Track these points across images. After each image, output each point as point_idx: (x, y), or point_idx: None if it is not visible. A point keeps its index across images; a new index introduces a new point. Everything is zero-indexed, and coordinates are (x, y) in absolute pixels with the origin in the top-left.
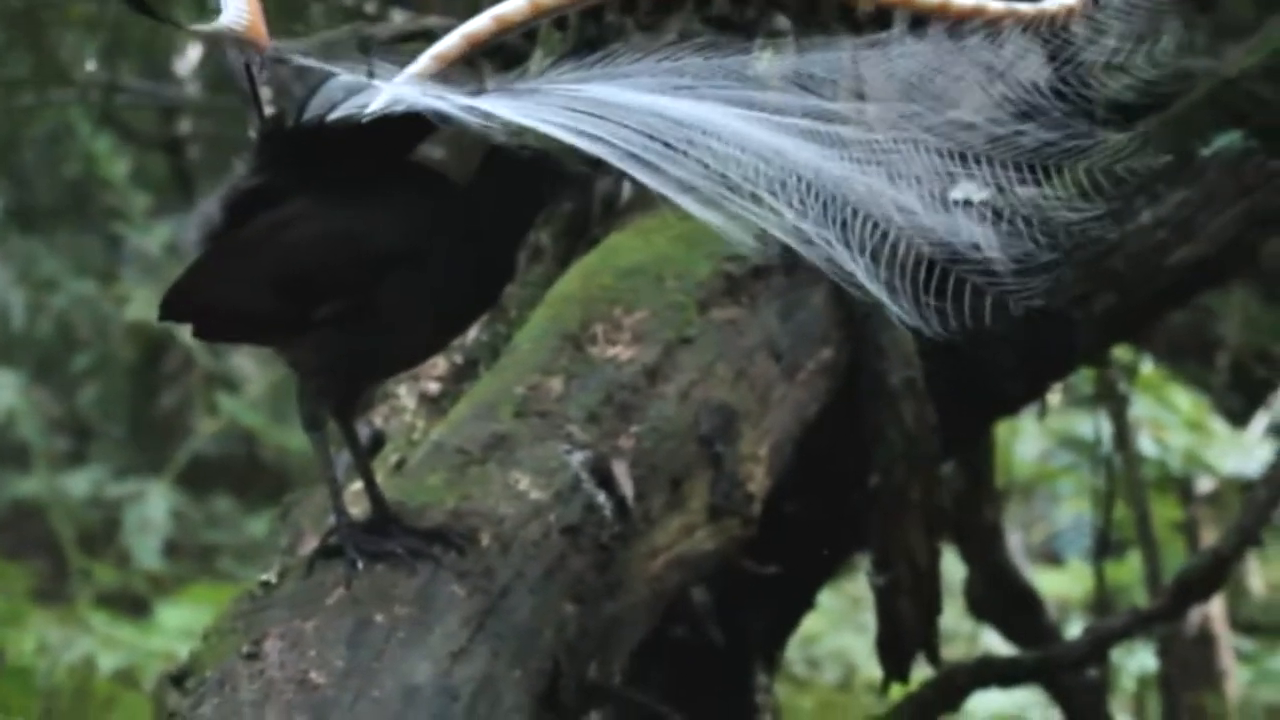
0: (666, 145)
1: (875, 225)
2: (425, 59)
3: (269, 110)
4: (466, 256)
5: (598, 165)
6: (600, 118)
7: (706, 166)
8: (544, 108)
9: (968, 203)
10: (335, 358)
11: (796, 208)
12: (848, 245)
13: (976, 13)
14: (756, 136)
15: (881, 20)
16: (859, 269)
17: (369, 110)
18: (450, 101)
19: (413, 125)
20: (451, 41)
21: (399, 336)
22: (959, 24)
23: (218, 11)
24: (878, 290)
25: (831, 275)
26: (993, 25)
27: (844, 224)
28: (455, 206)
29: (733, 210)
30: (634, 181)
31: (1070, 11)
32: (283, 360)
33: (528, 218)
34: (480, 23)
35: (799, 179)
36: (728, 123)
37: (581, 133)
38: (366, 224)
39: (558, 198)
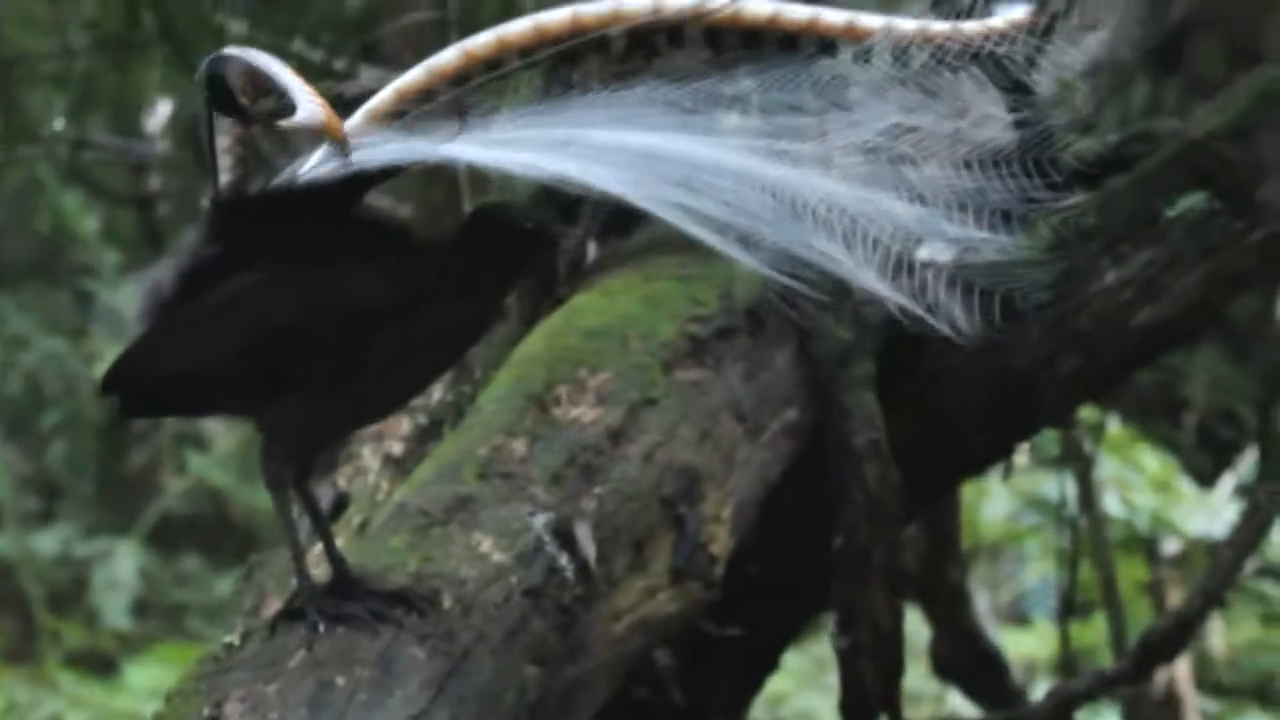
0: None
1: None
2: (357, 116)
3: (225, 177)
4: (452, 315)
5: (574, 220)
6: (584, 157)
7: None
8: (526, 150)
9: (932, 264)
10: (307, 418)
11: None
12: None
13: (921, 35)
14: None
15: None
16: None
17: (330, 172)
18: (433, 150)
19: (360, 180)
20: (383, 96)
21: (374, 395)
22: (905, 47)
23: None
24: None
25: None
26: (936, 46)
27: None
28: (437, 263)
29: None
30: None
31: (1016, 28)
32: (250, 422)
33: (510, 276)
34: (413, 75)
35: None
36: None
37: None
38: (347, 285)
39: (540, 259)
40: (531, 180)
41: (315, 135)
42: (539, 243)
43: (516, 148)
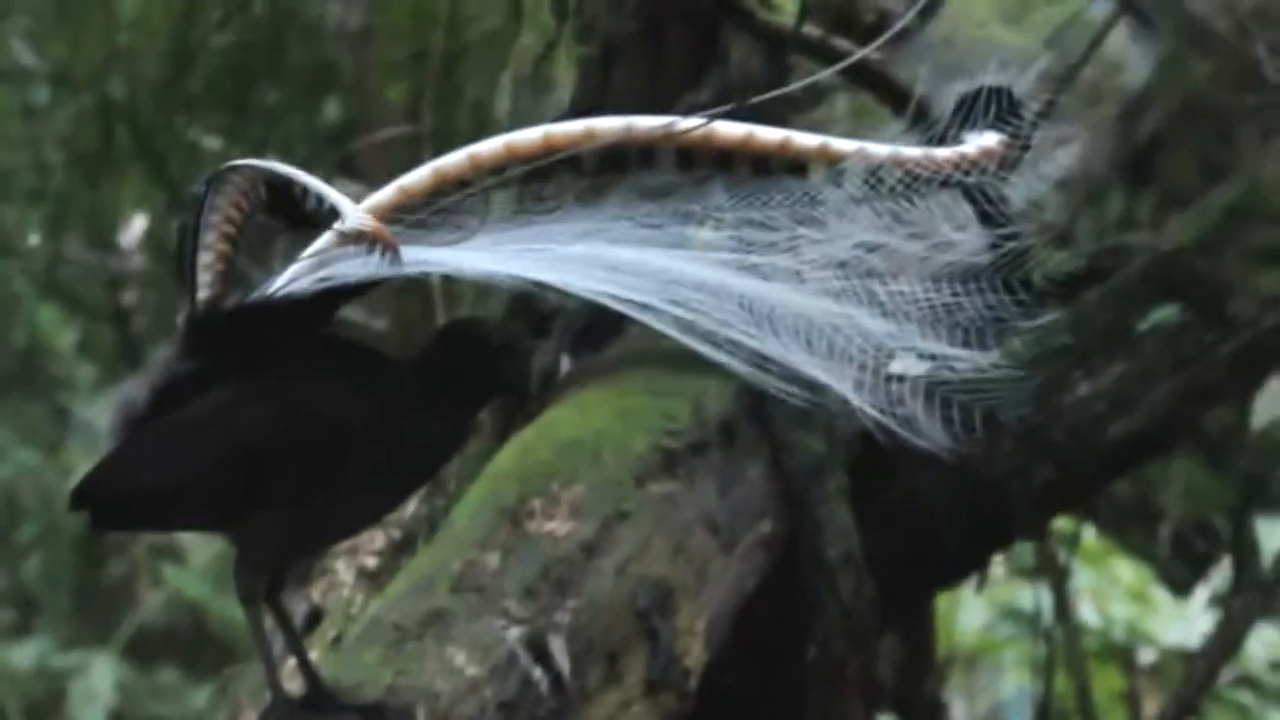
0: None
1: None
2: (327, 235)
3: (203, 293)
4: (426, 433)
5: (547, 334)
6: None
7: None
8: (502, 260)
9: (903, 378)
10: (280, 534)
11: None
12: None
13: (893, 160)
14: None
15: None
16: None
17: (304, 286)
18: (408, 262)
19: (335, 294)
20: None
21: (347, 512)
22: (876, 170)
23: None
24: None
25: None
26: (908, 172)
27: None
28: (409, 378)
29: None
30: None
31: (988, 156)
32: (223, 537)
33: (482, 392)
34: (384, 194)
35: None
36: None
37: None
38: (325, 403)
39: (512, 374)
40: (508, 286)
41: (366, 241)
42: (511, 357)
43: (493, 258)
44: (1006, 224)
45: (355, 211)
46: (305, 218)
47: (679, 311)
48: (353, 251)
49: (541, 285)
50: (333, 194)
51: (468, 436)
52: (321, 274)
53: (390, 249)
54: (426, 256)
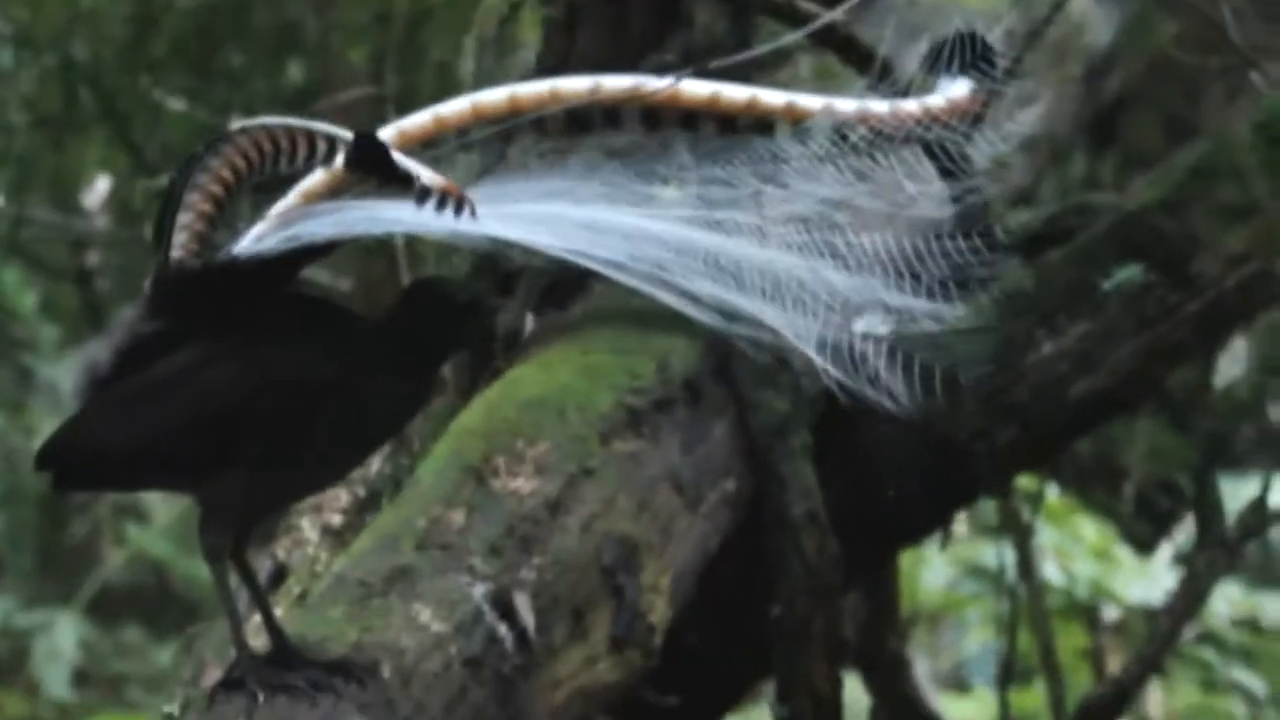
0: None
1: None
2: (291, 195)
3: (175, 253)
4: (390, 390)
5: (511, 293)
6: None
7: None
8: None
9: (869, 336)
10: (245, 492)
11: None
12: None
13: (859, 117)
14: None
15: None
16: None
17: (270, 246)
18: (375, 221)
19: (300, 254)
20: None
21: (312, 469)
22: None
23: None
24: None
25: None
26: (873, 128)
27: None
28: (375, 337)
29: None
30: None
31: (955, 110)
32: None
33: (446, 349)
34: (420, 119)
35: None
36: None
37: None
38: (290, 361)
39: (475, 331)
40: (473, 245)
41: (440, 194)
42: (474, 315)
43: (459, 218)
44: (967, 178)
45: (429, 173)
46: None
47: (646, 267)
48: (320, 209)
49: (508, 244)
50: (400, 158)
51: (431, 394)
52: (287, 233)
53: (465, 203)
54: (393, 215)
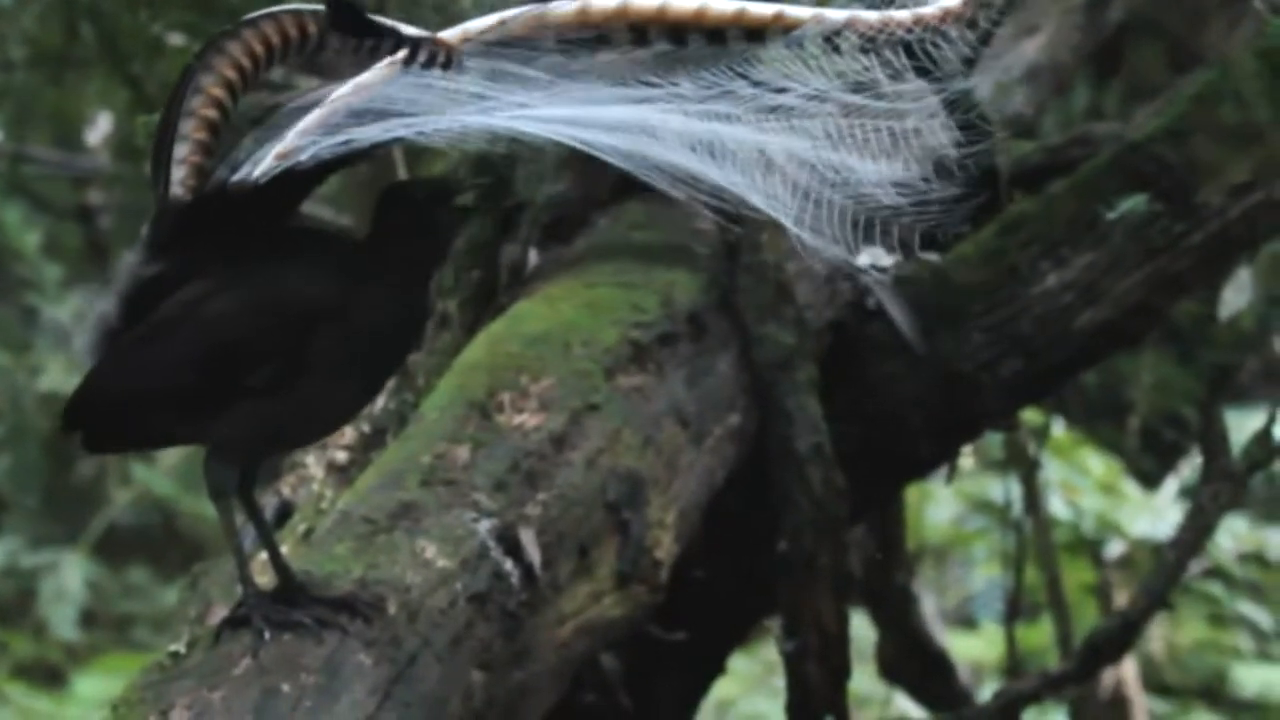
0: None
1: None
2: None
3: (175, 190)
4: (383, 302)
5: (489, 194)
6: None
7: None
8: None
9: (874, 268)
10: (253, 428)
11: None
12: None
13: (851, 24)
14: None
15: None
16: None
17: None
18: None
19: (297, 182)
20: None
21: (325, 398)
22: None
23: None
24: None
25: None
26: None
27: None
28: (361, 255)
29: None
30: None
31: (949, 16)
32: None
33: (433, 253)
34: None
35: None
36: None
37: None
38: (286, 284)
39: (450, 223)
40: (477, 143)
41: (431, 47)
42: (440, 206)
43: (458, 121)
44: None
45: (409, 27)
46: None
47: (653, 154)
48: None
49: (513, 137)
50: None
51: (426, 312)
52: (281, 148)
53: (454, 53)
54: (392, 122)
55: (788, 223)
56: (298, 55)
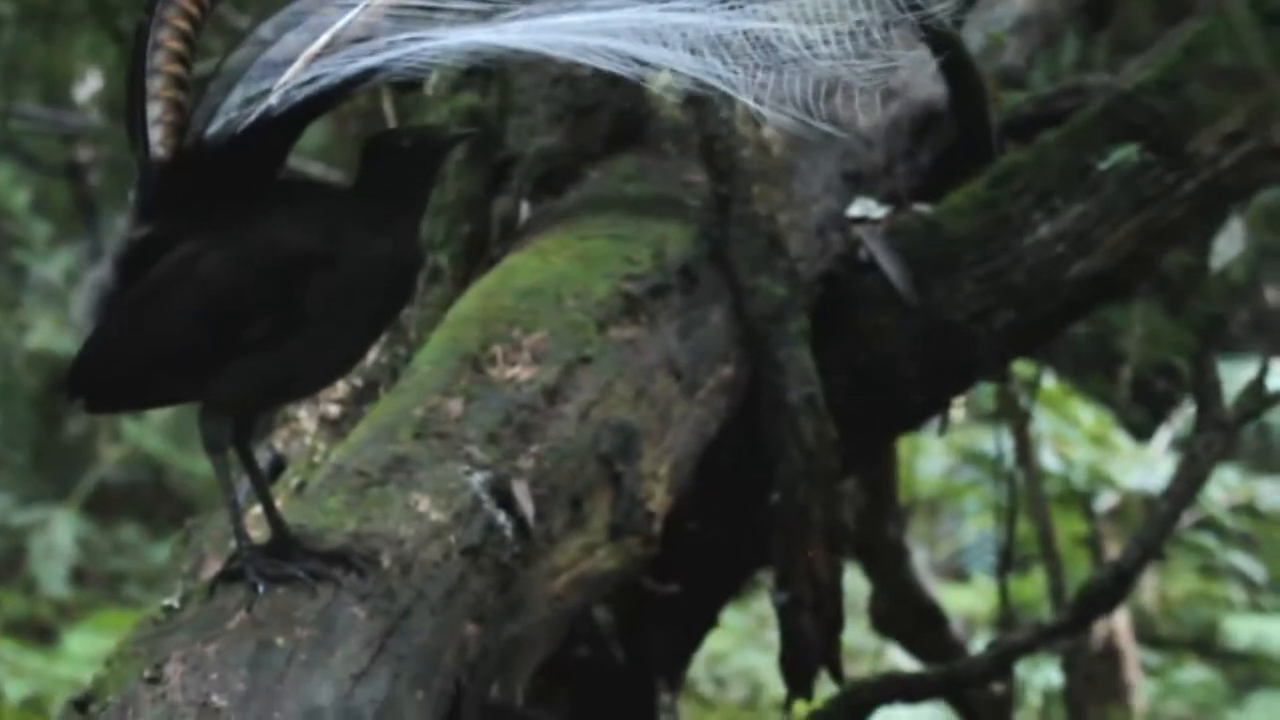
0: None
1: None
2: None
3: (157, 151)
4: (374, 248)
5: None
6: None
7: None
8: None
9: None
10: (259, 382)
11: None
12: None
13: None
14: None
15: None
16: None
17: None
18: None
19: (277, 131)
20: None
21: (322, 349)
22: None
23: None
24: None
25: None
26: None
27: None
28: (349, 203)
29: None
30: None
31: None
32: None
33: (420, 198)
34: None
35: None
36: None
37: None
38: (276, 235)
39: (433, 168)
40: (457, 61)
41: None
42: (427, 152)
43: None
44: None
45: None
46: None
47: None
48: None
49: (495, 52)
50: None
51: (418, 259)
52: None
53: None
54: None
55: (747, 99)
56: None
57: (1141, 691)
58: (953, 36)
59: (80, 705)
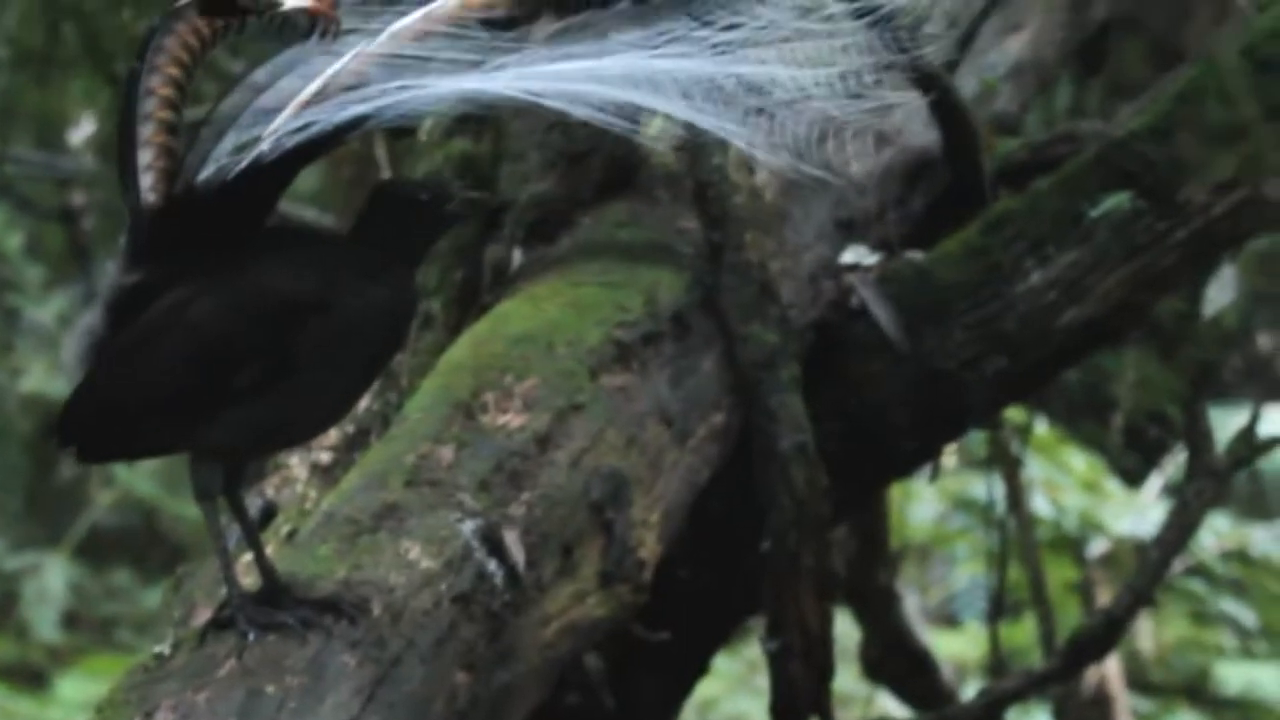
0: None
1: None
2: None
3: (147, 197)
4: (369, 296)
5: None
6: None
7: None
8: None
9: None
10: (250, 430)
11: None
12: None
13: None
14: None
15: None
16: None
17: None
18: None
19: (267, 177)
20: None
21: (313, 397)
22: None
23: None
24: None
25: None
26: None
27: None
28: (345, 249)
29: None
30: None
31: None
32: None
33: (422, 252)
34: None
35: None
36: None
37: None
38: (268, 281)
39: (446, 228)
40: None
41: (308, 18)
42: (438, 207)
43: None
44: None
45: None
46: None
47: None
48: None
49: (485, 99)
50: None
51: (412, 307)
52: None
53: (331, 22)
54: (362, 96)
55: (741, 144)
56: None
57: None
58: (946, 82)
59: None
